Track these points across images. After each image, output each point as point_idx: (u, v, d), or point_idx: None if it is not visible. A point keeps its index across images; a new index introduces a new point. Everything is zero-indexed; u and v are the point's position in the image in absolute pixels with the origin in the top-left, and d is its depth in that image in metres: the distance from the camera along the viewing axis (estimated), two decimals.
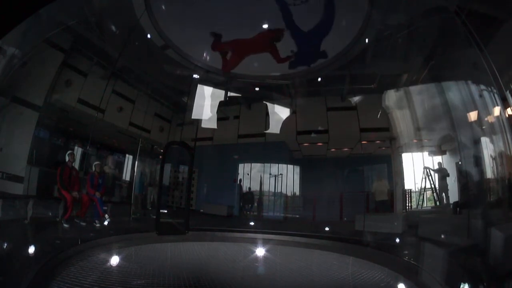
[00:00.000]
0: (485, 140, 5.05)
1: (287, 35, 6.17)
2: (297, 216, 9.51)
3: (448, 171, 6.84)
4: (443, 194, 6.91)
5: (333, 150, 9.00)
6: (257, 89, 8.73)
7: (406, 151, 7.54)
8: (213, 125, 8.90)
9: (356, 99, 8.46)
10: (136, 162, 8.81)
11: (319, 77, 7.90)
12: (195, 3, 5.76)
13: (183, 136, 8.87)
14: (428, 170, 7.28)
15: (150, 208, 8.63)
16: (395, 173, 7.74)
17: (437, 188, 7.14)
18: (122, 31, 6.67)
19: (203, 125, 8.79)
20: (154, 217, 7.17)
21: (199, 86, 8.45)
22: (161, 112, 9.49)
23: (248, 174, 9.78)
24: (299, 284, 4.30)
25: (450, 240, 5.02)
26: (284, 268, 5.08)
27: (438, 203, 7.18)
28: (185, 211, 7.56)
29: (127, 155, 9.02)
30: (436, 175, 7.11)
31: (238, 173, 9.75)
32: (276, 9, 5.62)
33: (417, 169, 7.43)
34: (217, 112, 8.78)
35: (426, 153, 7.34)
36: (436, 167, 7.15)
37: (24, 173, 6.14)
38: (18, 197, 6.03)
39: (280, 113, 8.98)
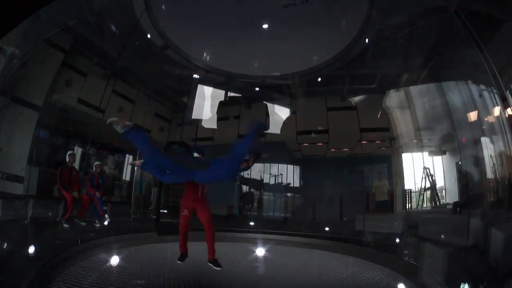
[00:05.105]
0: (485, 140, 5.04)
1: None
2: (297, 216, 9.50)
3: (448, 172, 6.88)
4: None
5: (333, 150, 8.97)
6: (257, 89, 8.73)
7: (406, 151, 7.54)
8: (213, 125, 8.89)
9: (356, 99, 8.45)
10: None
11: (319, 77, 7.89)
12: (195, 2, 5.77)
13: (183, 136, 8.85)
14: (427, 170, 7.29)
15: (150, 208, 8.63)
16: (395, 173, 7.74)
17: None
18: (122, 31, 6.67)
19: (203, 125, 8.78)
20: (154, 217, 7.16)
21: (199, 86, 8.45)
22: (161, 112, 9.46)
23: (248, 174, 9.76)
24: (299, 284, 4.30)
25: (450, 240, 5.02)
26: (284, 268, 5.07)
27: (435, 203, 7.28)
28: None
29: (127, 155, 9.01)
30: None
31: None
32: (277, 8, 5.60)
33: (417, 169, 7.44)
34: (217, 112, 8.78)
35: (426, 153, 7.34)
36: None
37: (24, 173, 6.14)
38: (18, 197, 6.03)
39: (280, 113, 8.96)
